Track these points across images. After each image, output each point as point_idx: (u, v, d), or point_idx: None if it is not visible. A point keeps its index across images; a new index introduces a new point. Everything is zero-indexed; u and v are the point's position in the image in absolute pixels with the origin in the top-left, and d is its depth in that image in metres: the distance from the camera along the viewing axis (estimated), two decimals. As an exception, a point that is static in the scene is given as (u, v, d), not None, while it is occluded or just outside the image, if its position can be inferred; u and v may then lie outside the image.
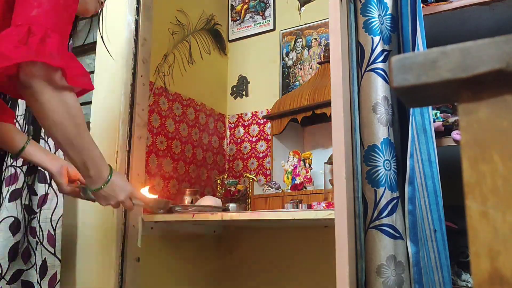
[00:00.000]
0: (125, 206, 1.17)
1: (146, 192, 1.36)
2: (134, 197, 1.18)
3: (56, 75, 0.90)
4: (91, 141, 1.04)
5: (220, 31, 2.37)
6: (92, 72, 1.81)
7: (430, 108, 1.26)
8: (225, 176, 2.08)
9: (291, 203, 1.57)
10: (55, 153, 1.58)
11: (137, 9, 1.77)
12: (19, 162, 1.63)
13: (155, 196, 1.35)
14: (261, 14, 2.34)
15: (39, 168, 1.40)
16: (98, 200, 1.14)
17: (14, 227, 1.59)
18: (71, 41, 1.25)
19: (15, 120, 1.26)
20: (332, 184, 1.38)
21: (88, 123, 1.84)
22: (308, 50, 2.16)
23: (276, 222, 1.69)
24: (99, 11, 1.22)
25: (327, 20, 1.82)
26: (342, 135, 1.22)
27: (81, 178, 1.18)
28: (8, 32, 0.87)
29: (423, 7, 1.33)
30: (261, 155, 2.17)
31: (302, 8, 2.21)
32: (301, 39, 2.19)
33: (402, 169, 1.24)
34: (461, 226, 1.37)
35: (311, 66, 2.14)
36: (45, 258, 1.58)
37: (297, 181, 1.82)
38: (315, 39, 2.15)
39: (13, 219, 1.59)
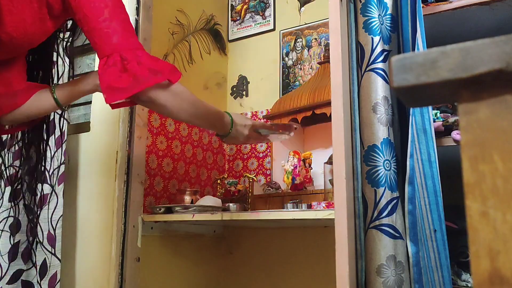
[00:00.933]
0: (254, 139, 1.31)
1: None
2: (256, 128, 1.28)
3: (162, 84, 1.05)
4: (208, 107, 1.19)
5: (220, 31, 2.37)
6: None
7: (430, 108, 1.26)
8: (225, 176, 2.08)
9: (291, 203, 1.57)
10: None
11: (137, 9, 1.77)
12: (19, 162, 1.63)
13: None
14: (261, 14, 2.34)
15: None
16: (231, 142, 1.32)
17: (14, 227, 1.59)
18: (71, 39, 1.25)
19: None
20: (332, 184, 1.38)
21: (88, 123, 1.84)
22: (308, 50, 2.16)
23: (276, 222, 1.69)
24: None
25: (327, 20, 1.82)
26: (342, 135, 1.22)
27: None
28: (103, 63, 0.99)
29: (423, 7, 1.32)
30: (261, 155, 2.17)
31: (302, 8, 2.21)
32: (301, 39, 2.19)
33: (402, 169, 1.24)
34: (461, 226, 1.37)
35: (311, 66, 2.14)
36: (45, 258, 1.58)
37: (297, 181, 1.82)
38: (315, 39, 2.15)
39: (13, 219, 1.60)
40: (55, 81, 1.26)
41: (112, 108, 1.14)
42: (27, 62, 1.20)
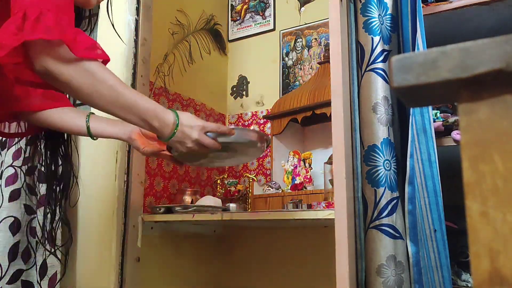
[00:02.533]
0: (205, 144, 1.02)
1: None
2: (207, 130, 1.03)
3: (60, 49, 0.86)
4: (137, 95, 0.97)
5: (220, 31, 2.37)
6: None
7: (430, 108, 1.26)
8: (225, 176, 2.08)
9: (291, 203, 1.57)
10: None
11: (137, 9, 1.77)
12: (19, 162, 1.63)
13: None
14: (261, 14, 2.34)
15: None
16: (176, 149, 1.04)
17: (14, 227, 1.59)
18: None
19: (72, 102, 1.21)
20: (332, 184, 1.38)
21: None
22: (308, 50, 2.16)
23: (276, 222, 1.69)
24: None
25: (327, 20, 1.82)
26: (342, 135, 1.22)
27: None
28: (6, 22, 0.84)
29: (423, 7, 1.32)
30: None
31: (302, 8, 2.21)
32: (301, 39, 2.19)
33: (402, 169, 1.24)
34: (461, 226, 1.37)
35: (311, 66, 2.14)
36: (45, 258, 1.58)
37: (297, 181, 1.82)
38: (315, 39, 2.15)
39: (13, 219, 1.59)
40: None
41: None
42: None
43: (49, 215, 1.59)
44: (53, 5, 0.85)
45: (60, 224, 1.63)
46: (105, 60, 0.94)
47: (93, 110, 1.13)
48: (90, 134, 1.13)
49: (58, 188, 1.24)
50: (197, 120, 1.02)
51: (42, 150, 1.23)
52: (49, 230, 1.54)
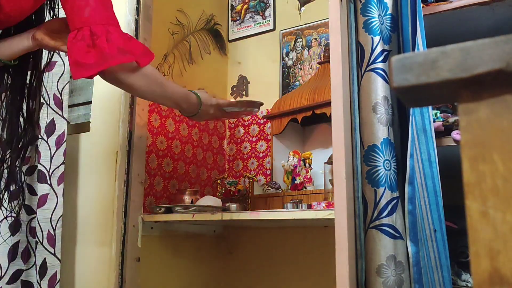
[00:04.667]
0: (220, 116, 1.38)
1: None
2: (221, 106, 1.33)
3: (131, 65, 1.06)
4: (174, 86, 1.24)
5: (220, 31, 2.37)
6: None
7: (430, 108, 1.26)
8: (225, 176, 2.08)
9: (291, 203, 1.57)
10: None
11: (137, 9, 1.77)
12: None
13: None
14: (261, 14, 2.34)
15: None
16: (197, 120, 1.37)
17: (14, 227, 1.59)
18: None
19: None
20: (332, 184, 1.38)
21: (88, 123, 1.84)
22: (308, 50, 2.16)
23: (276, 222, 1.69)
24: None
25: (327, 20, 1.82)
26: (342, 135, 1.22)
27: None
28: (74, 38, 0.98)
29: (423, 7, 1.32)
30: (261, 155, 2.17)
31: (302, 8, 2.21)
32: (301, 39, 2.19)
33: (402, 169, 1.24)
34: (461, 226, 1.37)
35: (311, 66, 2.14)
36: (45, 258, 1.58)
37: (297, 181, 1.82)
38: (315, 39, 2.15)
39: (13, 219, 1.60)
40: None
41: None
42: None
43: (49, 216, 1.58)
44: (109, 18, 1.02)
45: (61, 224, 1.63)
46: (152, 59, 1.12)
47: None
48: None
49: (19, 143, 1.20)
50: (212, 99, 1.32)
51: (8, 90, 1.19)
52: (49, 230, 1.53)
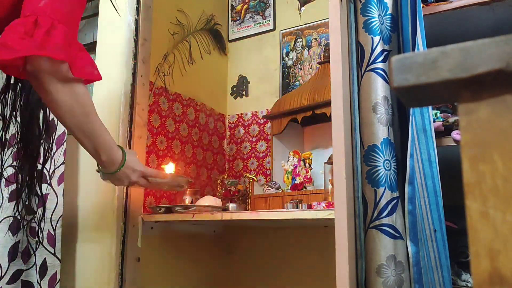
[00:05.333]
0: (140, 185, 1.20)
1: (170, 169, 1.40)
2: (146, 176, 1.19)
3: (61, 68, 0.91)
4: (101, 128, 1.05)
5: (220, 31, 2.37)
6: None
7: (430, 108, 1.26)
8: (225, 176, 2.08)
9: (291, 203, 1.57)
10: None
11: (137, 9, 1.77)
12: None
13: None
14: (261, 14, 2.34)
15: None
16: (112, 182, 1.17)
17: (14, 227, 1.59)
18: None
19: None
20: (332, 184, 1.38)
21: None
22: (308, 50, 2.16)
23: (276, 222, 1.69)
24: None
25: (327, 20, 1.82)
26: (342, 135, 1.22)
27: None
28: (16, 22, 0.88)
29: (423, 7, 1.33)
30: (261, 155, 2.17)
31: (302, 8, 2.21)
32: (301, 39, 2.19)
33: (402, 169, 1.24)
34: (461, 226, 1.37)
35: (311, 66, 2.14)
36: (45, 258, 1.58)
37: (297, 181, 1.82)
38: (315, 39, 2.15)
39: (13, 219, 1.60)
40: None
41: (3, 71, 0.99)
42: None
43: (49, 216, 1.58)
44: (64, 17, 0.90)
45: (60, 224, 1.63)
46: (96, 79, 1.01)
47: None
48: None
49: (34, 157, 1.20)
50: (139, 164, 1.16)
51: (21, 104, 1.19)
52: (49, 230, 1.53)
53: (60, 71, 0.91)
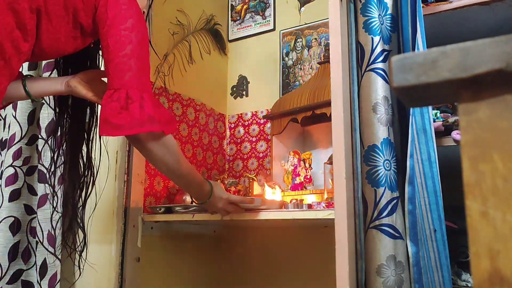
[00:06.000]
0: (229, 211, 1.39)
1: (268, 194, 1.59)
2: (231, 202, 1.36)
3: (157, 134, 1.10)
4: (190, 168, 1.23)
5: (220, 31, 2.37)
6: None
7: (430, 108, 1.26)
8: (225, 176, 2.08)
9: (291, 203, 1.57)
10: None
11: (137, 9, 1.76)
12: (19, 162, 1.63)
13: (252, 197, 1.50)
14: (261, 14, 2.34)
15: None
16: (206, 208, 1.41)
17: (14, 227, 1.59)
18: None
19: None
20: (332, 184, 1.38)
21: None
22: (308, 50, 2.16)
23: (276, 222, 1.69)
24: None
25: (327, 20, 1.82)
26: (342, 135, 1.22)
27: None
28: (109, 95, 1.03)
29: (423, 7, 1.32)
30: (261, 155, 2.17)
31: (302, 8, 2.21)
32: (301, 39, 2.19)
33: (402, 169, 1.24)
34: (461, 226, 1.37)
35: (311, 66, 2.14)
36: (45, 258, 1.58)
37: (297, 181, 1.82)
38: (315, 39, 2.15)
39: (13, 219, 1.60)
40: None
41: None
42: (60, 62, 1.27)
43: (49, 216, 1.58)
44: (146, 85, 1.07)
45: (60, 224, 1.63)
46: (174, 131, 1.20)
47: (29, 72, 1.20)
48: (29, 95, 1.14)
49: (79, 191, 1.33)
50: (224, 193, 1.35)
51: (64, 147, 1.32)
52: (49, 230, 1.54)
53: (156, 136, 1.10)
